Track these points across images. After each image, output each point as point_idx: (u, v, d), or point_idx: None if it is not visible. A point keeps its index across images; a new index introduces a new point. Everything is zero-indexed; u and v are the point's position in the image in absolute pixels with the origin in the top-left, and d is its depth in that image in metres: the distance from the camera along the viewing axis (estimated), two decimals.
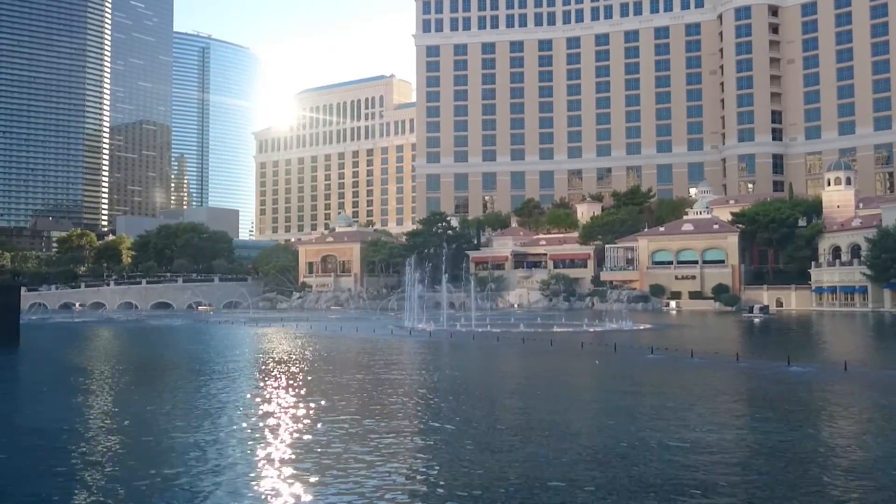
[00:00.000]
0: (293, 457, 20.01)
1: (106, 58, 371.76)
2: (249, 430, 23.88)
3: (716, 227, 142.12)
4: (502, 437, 22.67)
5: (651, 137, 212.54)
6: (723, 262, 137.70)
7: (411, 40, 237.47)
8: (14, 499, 16.78)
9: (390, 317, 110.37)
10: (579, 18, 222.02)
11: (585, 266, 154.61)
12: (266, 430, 23.81)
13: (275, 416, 26.41)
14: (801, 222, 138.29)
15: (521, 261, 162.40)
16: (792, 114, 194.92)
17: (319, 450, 20.86)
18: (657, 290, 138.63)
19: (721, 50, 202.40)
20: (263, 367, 43.45)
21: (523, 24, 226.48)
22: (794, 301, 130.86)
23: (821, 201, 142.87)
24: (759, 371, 39.49)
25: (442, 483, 17.74)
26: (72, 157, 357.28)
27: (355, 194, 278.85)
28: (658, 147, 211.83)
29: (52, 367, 46.23)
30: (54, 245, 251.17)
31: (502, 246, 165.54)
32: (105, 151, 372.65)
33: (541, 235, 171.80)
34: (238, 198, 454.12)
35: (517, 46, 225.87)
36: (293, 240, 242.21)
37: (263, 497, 16.58)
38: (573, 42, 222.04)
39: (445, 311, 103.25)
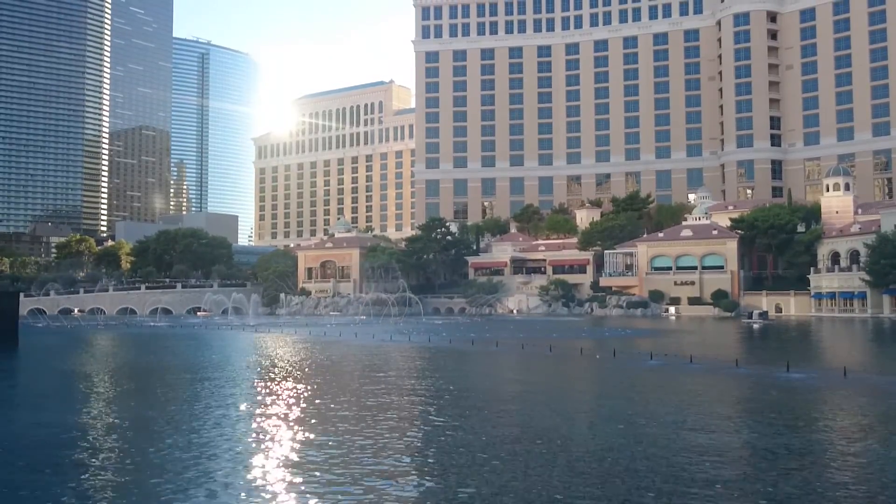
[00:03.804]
0: (291, 462, 19.97)
1: (105, 63, 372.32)
2: (247, 436, 23.82)
3: (715, 232, 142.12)
4: (502, 442, 22.63)
5: (650, 143, 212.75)
6: (722, 267, 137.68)
7: (411, 46, 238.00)
8: (8, 500, 16.76)
9: (390, 322, 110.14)
10: (578, 24, 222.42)
11: (584, 272, 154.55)
12: (266, 435, 23.75)
13: (274, 422, 26.35)
14: (800, 228, 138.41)
15: (520, 266, 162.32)
16: (791, 120, 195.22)
17: (318, 457, 20.81)
18: (656, 296, 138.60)
19: (720, 56, 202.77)
20: (262, 374, 43.38)
21: (522, 30, 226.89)
22: (793, 307, 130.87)
23: (820, 207, 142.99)
24: (759, 377, 39.45)
25: (442, 493, 17.70)
26: (71, 163, 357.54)
27: (354, 200, 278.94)
28: (657, 153, 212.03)
29: (50, 372, 46.15)
30: (53, 250, 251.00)
31: (501, 252, 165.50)
32: (104, 157, 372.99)
33: (540, 241, 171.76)
34: (237, 203, 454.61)
35: (516, 52, 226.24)
36: (292, 245, 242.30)
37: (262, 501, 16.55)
38: (572, 48, 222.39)
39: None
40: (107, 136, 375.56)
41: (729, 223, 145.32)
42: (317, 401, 31.32)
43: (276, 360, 51.38)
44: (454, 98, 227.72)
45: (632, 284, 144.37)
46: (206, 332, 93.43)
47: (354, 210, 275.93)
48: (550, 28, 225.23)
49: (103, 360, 56.40)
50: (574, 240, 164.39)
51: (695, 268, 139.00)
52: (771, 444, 22.00)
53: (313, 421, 26.34)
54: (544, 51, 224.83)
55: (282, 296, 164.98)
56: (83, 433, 24.76)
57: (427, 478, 18.77)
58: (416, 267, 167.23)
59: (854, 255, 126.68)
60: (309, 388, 35.91)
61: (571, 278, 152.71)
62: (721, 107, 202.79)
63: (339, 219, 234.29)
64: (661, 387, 36.38)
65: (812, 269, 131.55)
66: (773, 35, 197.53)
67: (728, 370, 42.11)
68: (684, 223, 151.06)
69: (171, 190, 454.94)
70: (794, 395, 33.07)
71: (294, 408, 29.34)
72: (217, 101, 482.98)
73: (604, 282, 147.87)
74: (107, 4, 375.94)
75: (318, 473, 18.85)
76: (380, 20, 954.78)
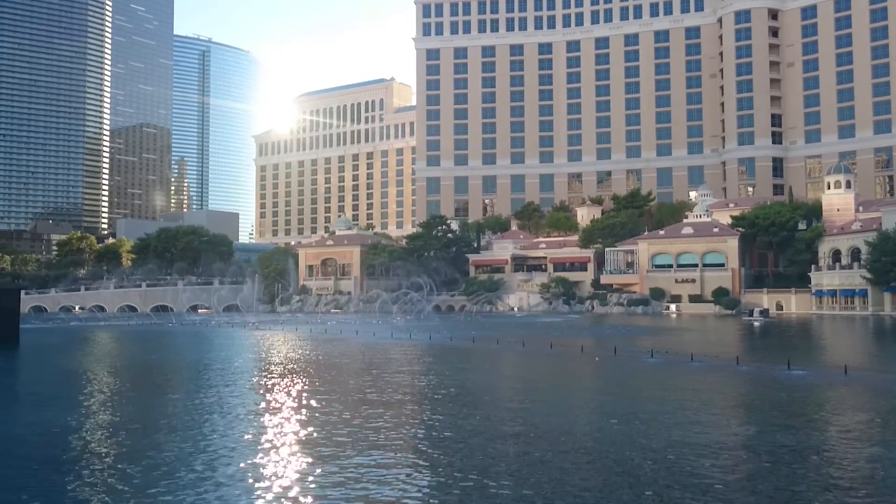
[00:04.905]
0: (293, 461, 19.97)
1: (106, 61, 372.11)
2: (247, 434, 23.81)
3: (716, 230, 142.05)
4: (503, 440, 22.62)
5: (651, 141, 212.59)
6: (723, 265, 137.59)
7: (411, 44, 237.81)
8: (7, 499, 16.74)
9: (391, 319, 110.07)
10: (579, 22, 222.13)
11: (585, 269, 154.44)
12: (267, 434, 23.75)
13: (275, 421, 26.36)
14: (801, 226, 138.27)
15: (521, 264, 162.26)
16: (792, 117, 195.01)
17: (319, 456, 20.81)
18: (657, 294, 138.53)
19: (721, 53, 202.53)
20: (263, 371, 43.40)
21: (523, 27, 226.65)
22: (794, 304, 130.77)
23: (821, 205, 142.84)
24: (760, 375, 39.44)
25: (441, 492, 17.69)
26: (72, 161, 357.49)
27: (355, 197, 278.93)
28: (658, 150, 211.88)
29: (51, 370, 46.17)
30: (54, 248, 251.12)
31: (502, 249, 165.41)
32: (105, 154, 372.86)
33: (541, 239, 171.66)
34: (238, 201, 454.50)
35: (517, 50, 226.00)
36: (293, 243, 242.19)
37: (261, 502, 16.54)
38: (573, 46, 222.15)
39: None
40: (107, 133, 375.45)
41: (730, 221, 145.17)
42: (318, 398, 31.32)
43: (276, 358, 51.41)
44: (455, 95, 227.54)
45: (633, 282, 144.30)
46: (206, 329, 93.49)
47: (355, 208, 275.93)
48: (551, 25, 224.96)
49: (104, 358, 56.44)
50: (575, 237, 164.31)
51: (696, 265, 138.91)
52: (771, 442, 21.98)
53: (314, 419, 26.34)
54: (545, 48, 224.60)
55: (278, 288, 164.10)
56: (83, 432, 24.77)
57: (427, 475, 18.76)
58: (417, 265, 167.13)
59: (855, 253, 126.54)
60: (310, 385, 35.93)
61: (572, 276, 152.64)
62: (722, 104, 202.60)
63: (339, 216, 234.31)
64: (661, 385, 36.37)
65: (813, 266, 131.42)
66: (774, 32, 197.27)
67: (729, 368, 42.10)
68: (685, 221, 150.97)
69: (172, 187, 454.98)
70: (795, 393, 33.05)
71: (295, 406, 29.34)
72: (218, 99, 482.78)
73: (605, 279, 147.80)
74: (108, 2, 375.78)
75: (318, 473, 18.84)
76: (380, 18, 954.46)
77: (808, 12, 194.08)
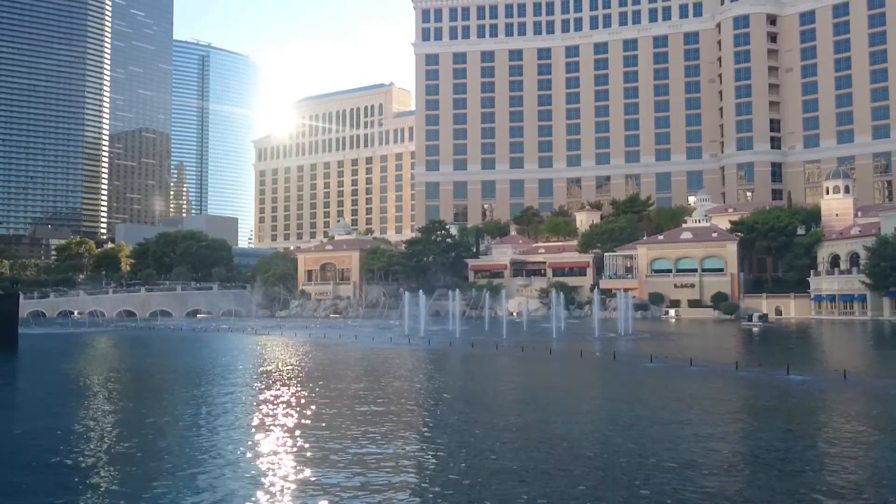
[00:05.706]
0: (292, 465, 19.94)
1: (106, 66, 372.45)
2: (245, 438, 23.78)
3: (715, 235, 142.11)
4: (502, 444, 22.60)
5: (650, 146, 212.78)
6: (722, 270, 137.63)
7: (411, 49, 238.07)
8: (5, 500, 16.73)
9: (389, 325, 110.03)
10: (578, 27, 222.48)
11: (584, 274, 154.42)
12: (265, 439, 23.72)
13: (273, 426, 26.31)
14: (800, 231, 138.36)
15: (520, 269, 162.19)
16: (790, 122, 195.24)
17: (319, 459, 20.78)
18: (656, 299, 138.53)
19: (720, 59, 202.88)
20: (262, 377, 43.34)
21: (522, 32, 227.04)
22: (793, 309, 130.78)
23: (819, 210, 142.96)
24: (759, 380, 39.42)
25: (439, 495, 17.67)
26: (71, 165, 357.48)
27: (354, 202, 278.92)
28: (657, 155, 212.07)
29: (49, 375, 46.11)
30: (53, 253, 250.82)
31: (501, 254, 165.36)
32: (104, 159, 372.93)
33: (540, 243, 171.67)
34: (237, 206, 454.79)
35: (516, 55, 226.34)
36: (292, 248, 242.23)
37: None
38: (572, 51, 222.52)
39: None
40: (107, 138, 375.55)
41: (729, 226, 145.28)
42: (317, 404, 31.27)
43: (275, 364, 51.35)
44: (454, 100, 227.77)
45: (632, 287, 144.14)
46: (204, 334, 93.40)
47: (354, 212, 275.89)
48: (550, 31, 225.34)
49: (102, 364, 56.37)
50: (574, 242, 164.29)
51: (695, 270, 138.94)
52: (770, 447, 21.96)
53: (314, 425, 26.30)
54: (544, 53, 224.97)
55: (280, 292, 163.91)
56: (80, 436, 24.72)
57: (427, 479, 18.74)
58: (416, 269, 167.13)
59: (854, 258, 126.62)
60: (309, 391, 35.88)
61: (571, 281, 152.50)
62: (721, 109, 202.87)
63: (338, 221, 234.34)
64: (660, 390, 36.35)
65: (812, 271, 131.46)
66: (772, 38, 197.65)
67: (728, 373, 42.08)
68: (684, 226, 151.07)
69: (171, 192, 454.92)
70: (794, 398, 33.03)
71: (294, 411, 29.30)
72: (217, 104, 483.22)
73: (604, 284, 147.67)
74: (107, 7, 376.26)
75: (318, 477, 18.82)
76: (380, 23, 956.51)
77: (807, 17, 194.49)
